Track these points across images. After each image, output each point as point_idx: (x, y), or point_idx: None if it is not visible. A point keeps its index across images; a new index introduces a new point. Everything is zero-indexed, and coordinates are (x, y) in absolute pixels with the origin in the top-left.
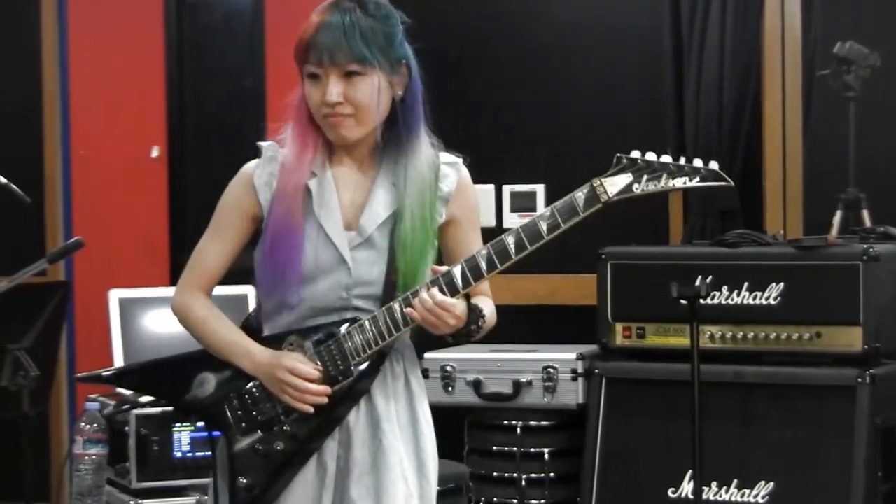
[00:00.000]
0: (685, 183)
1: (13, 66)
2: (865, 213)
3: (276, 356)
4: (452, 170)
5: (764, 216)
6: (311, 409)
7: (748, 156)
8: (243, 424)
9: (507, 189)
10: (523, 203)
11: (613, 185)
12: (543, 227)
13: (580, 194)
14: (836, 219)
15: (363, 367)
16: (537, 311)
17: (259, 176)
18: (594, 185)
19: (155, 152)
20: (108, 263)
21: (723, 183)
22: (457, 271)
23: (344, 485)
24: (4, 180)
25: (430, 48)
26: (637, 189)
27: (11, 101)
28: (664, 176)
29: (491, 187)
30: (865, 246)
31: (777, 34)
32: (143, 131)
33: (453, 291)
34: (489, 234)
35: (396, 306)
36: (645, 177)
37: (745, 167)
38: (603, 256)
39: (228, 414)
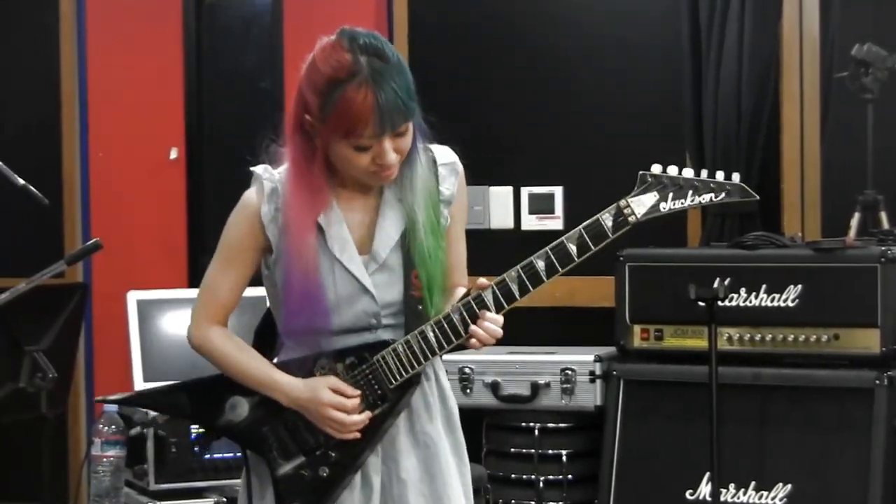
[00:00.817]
0: (711, 199)
1: (32, 68)
2: (883, 215)
3: (313, 390)
4: (450, 171)
5: (782, 218)
6: (358, 436)
7: (766, 158)
8: (284, 449)
9: (525, 191)
10: (541, 205)
11: (640, 205)
12: (573, 249)
13: (607, 216)
14: (854, 221)
15: (402, 387)
16: (555, 312)
17: (266, 213)
18: (621, 206)
19: (173, 154)
20: (126, 265)
21: (748, 198)
22: (488, 296)
23: (395, 497)
24: (23, 182)
25: (449, 52)
26: (664, 208)
27: (30, 103)
28: (690, 192)
29: (509, 189)
30: (883, 248)
31: (795, 37)
32: (161, 133)
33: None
34: (507, 236)
35: (429, 331)
36: (671, 194)
37: (764, 169)
38: (621, 258)
39: (268, 439)
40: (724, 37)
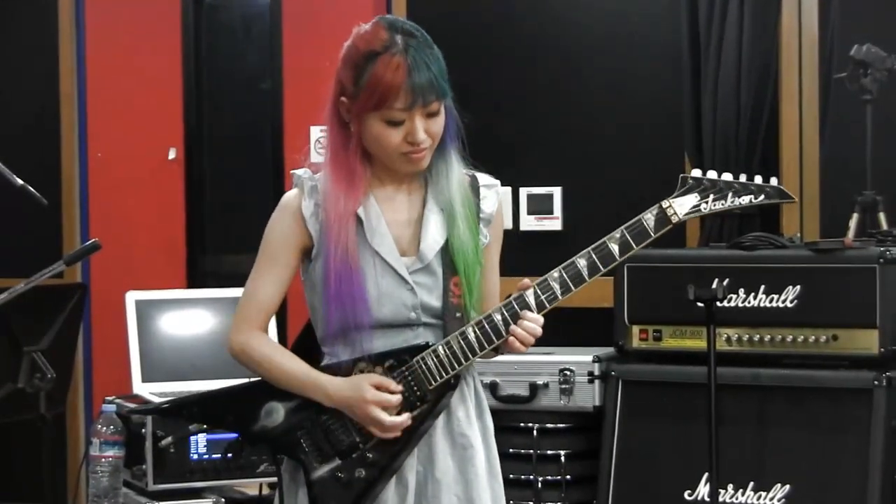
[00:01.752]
0: (751, 201)
1: (31, 68)
2: (882, 216)
3: (355, 388)
4: (492, 192)
5: (781, 219)
6: (399, 434)
7: (765, 158)
8: (320, 452)
9: (523, 191)
10: (540, 205)
11: (682, 205)
12: (615, 249)
13: (650, 216)
14: (853, 221)
15: (441, 388)
16: (554, 313)
17: (307, 207)
18: (663, 206)
19: (172, 154)
20: (124, 265)
21: (787, 200)
22: (530, 296)
23: (429, 497)
24: (21, 182)
25: (448, 52)
26: (705, 209)
27: (29, 103)
28: (730, 194)
29: (508, 189)
30: (882, 249)
31: (794, 37)
32: (160, 133)
33: None
34: (505, 236)
35: (470, 331)
36: (711, 196)
37: (763, 170)
38: None
39: (303, 442)
40: (723, 37)
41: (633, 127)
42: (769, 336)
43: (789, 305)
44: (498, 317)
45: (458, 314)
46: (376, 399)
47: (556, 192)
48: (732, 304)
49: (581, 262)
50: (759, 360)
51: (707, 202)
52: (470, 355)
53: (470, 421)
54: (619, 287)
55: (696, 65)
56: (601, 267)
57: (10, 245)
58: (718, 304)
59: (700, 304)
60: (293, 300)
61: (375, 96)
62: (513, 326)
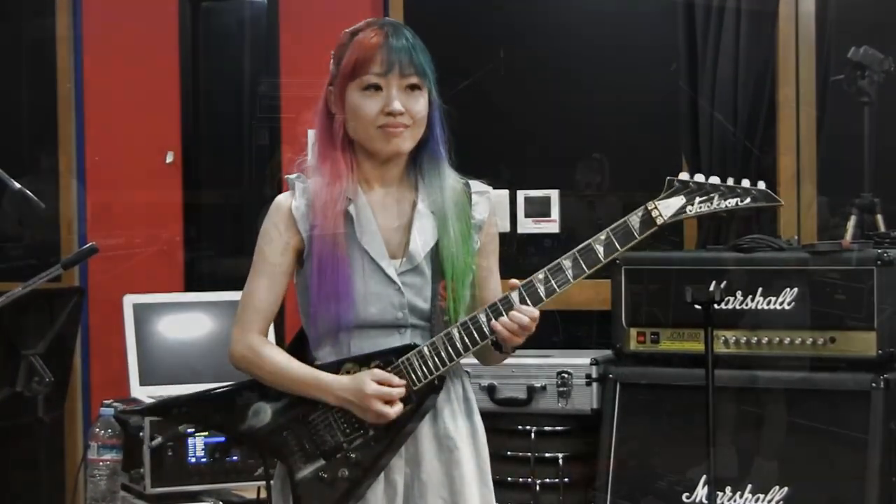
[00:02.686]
0: (737, 204)
1: (28, 70)
2: (880, 218)
3: (357, 383)
4: (483, 199)
5: (778, 221)
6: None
7: (763, 160)
8: (305, 453)
9: (521, 194)
10: (538, 208)
11: (668, 207)
12: (600, 250)
13: (635, 218)
14: (851, 223)
15: (426, 389)
16: (551, 316)
17: (297, 208)
18: (648, 208)
19: (169, 157)
20: (122, 268)
21: (774, 203)
22: (514, 297)
23: (415, 498)
24: (19, 186)
25: (445, 53)
26: (690, 211)
27: (27, 106)
28: (716, 197)
29: (505, 192)
30: (880, 251)
31: (791, 39)
32: (157, 136)
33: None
34: (503, 239)
35: (455, 332)
36: (697, 199)
37: (760, 172)
38: (618, 262)
39: (288, 443)
40: (720, 40)
41: (630, 129)
42: (767, 338)
43: (787, 308)
44: (483, 318)
45: (445, 318)
46: (376, 392)
47: (554, 194)
48: (730, 306)
49: (566, 264)
50: (756, 362)
51: (693, 205)
52: (454, 356)
53: (456, 423)
54: (617, 289)
55: (692, 67)
56: (585, 269)
57: (7, 248)
58: (716, 306)
59: (697, 307)
60: (291, 306)
61: (351, 64)
62: (493, 322)
